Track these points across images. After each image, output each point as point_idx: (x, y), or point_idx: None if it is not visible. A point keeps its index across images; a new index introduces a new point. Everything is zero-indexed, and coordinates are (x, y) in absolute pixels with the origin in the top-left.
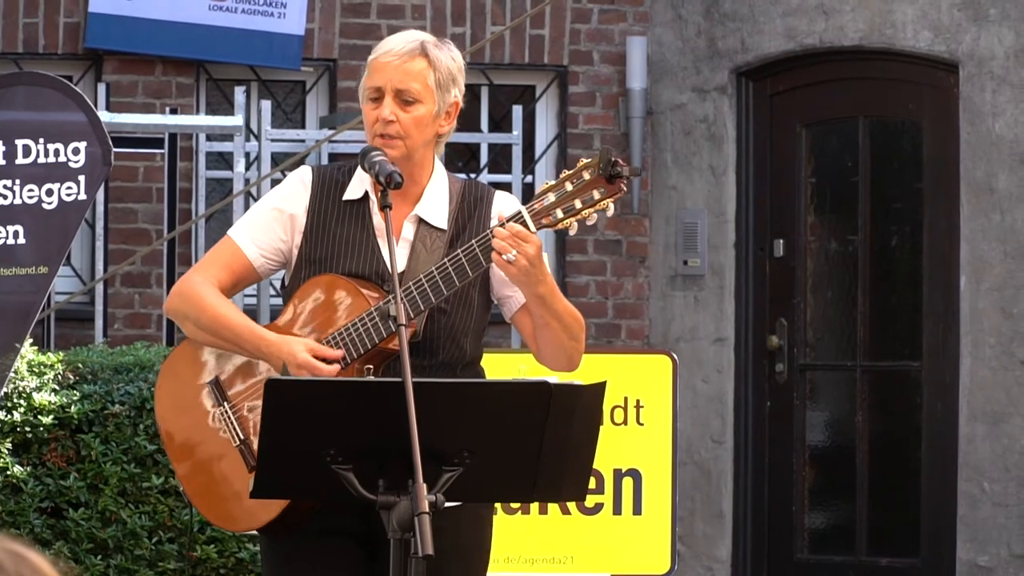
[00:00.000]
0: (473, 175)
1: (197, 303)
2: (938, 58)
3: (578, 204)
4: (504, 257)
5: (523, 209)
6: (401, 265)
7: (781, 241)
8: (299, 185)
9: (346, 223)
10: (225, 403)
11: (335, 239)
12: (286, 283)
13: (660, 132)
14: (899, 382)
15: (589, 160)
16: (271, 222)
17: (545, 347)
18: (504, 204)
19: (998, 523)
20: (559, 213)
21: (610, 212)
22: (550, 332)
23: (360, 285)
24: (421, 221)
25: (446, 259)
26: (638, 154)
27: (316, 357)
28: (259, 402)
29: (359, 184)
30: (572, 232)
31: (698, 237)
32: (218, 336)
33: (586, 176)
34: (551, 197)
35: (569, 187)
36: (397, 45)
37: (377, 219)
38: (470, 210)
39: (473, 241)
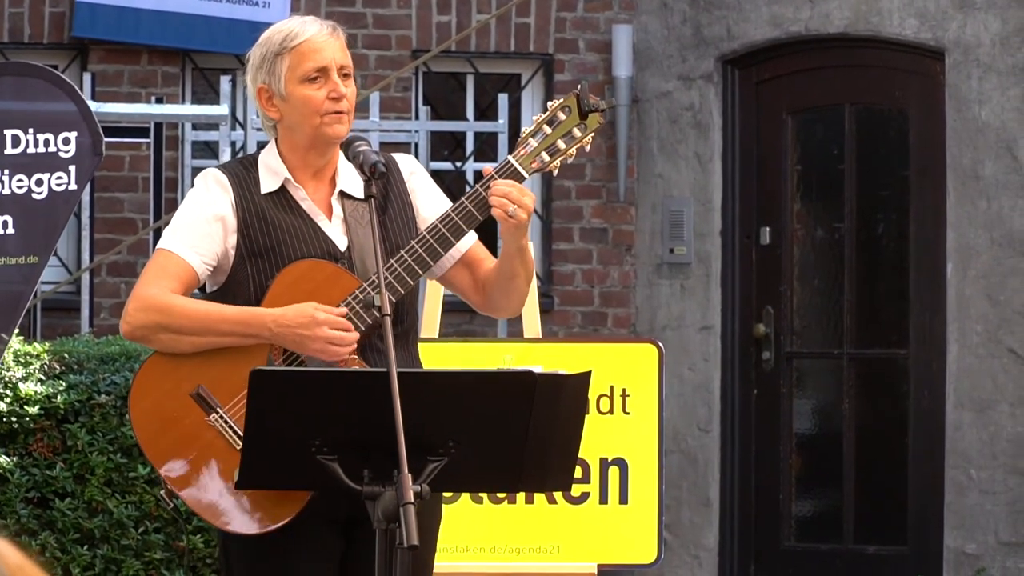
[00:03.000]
0: (459, 164)
1: (171, 310)
2: (924, 45)
3: (561, 144)
4: (508, 211)
5: (511, 158)
6: (343, 243)
7: (767, 229)
8: (217, 186)
9: (278, 213)
10: (218, 408)
11: (274, 229)
12: (220, 284)
13: (646, 120)
14: (886, 370)
15: (562, 100)
16: (206, 228)
17: (502, 297)
18: (407, 164)
19: (985, 510)
20: (545, 156)
21: (588, 147)
22: (516, 283)
23: (339, 268)
24: (345, 196)
25: (437, 221)
26: (624, 142)
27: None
28: None
29: (271, 176)
30: (555, 173)
31: (684, 225)
32: (209, 334)
33: (562, 116)
34: (532, 142)
35: (548, 129)
36: (319, 26)
37: (306, 203)
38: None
39: (463, 199)
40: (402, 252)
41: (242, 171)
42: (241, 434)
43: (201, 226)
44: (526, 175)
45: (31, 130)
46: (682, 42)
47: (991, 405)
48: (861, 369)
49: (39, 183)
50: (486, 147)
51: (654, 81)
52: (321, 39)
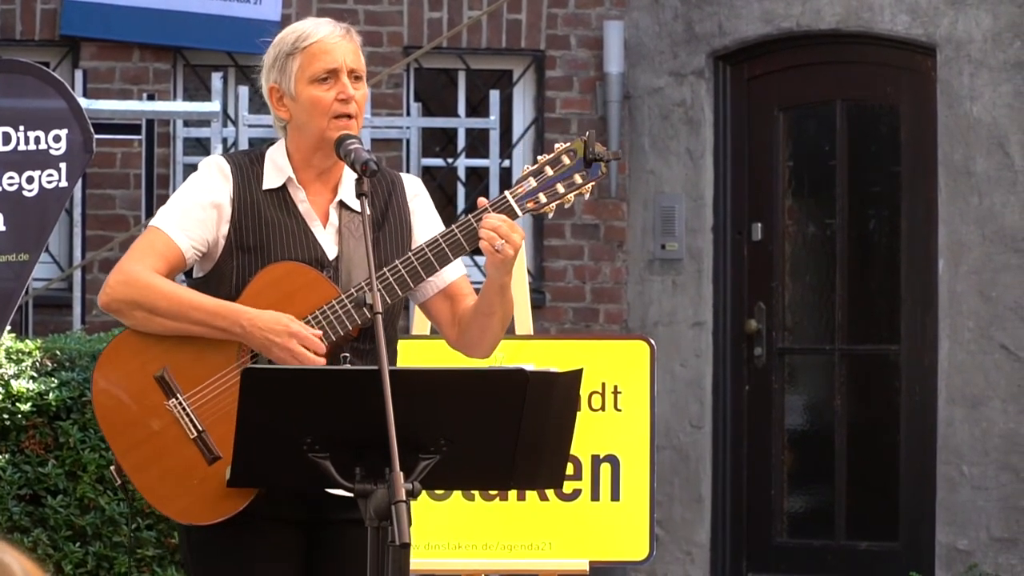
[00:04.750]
0: (451, 160)
1: (151, 289)
2: (915, 41)
3: (560, 189)
4: (495, 246)
5: (508, 195)
6: (333, 251)
7: (759, 225)
8: (219, 174)
9: (273, 211)
10: (178, 394)
11: (266, 226)
12: (207, 271)
13: (637, 116)
14: (877, 366)
15: (568, 144)
16: (200, 213)
17: (476, 334)
18: (412, 185)
19: (977, 506)
20: (542, 198)
21: (587, 196)
22: (491, 321)
23: (319, 275)
24: (344, 206)
25: (424, 245)
26: (615, 138)
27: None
28: (217, 393)
29: (276, 173)
30: (550, 216)
31: (676, 221)
32: (182, 319)
33: (566, 160)
34: (532, 182)
35: (549, 171)
36: (332, 27)
37: (304, 206)
38: (385, 194)
39: (454, 227)
40: (384, 271)
41: (247, 163)
42: (197, 423)
43: (196, 211)
44: (520, 213)
45: (22, 127)
46: (673, 38)
47: (983, 401)
48: (853, 365)
49: (30, 180)
50: (477, 143)
51: (645, 77)
52: (333, 40)
